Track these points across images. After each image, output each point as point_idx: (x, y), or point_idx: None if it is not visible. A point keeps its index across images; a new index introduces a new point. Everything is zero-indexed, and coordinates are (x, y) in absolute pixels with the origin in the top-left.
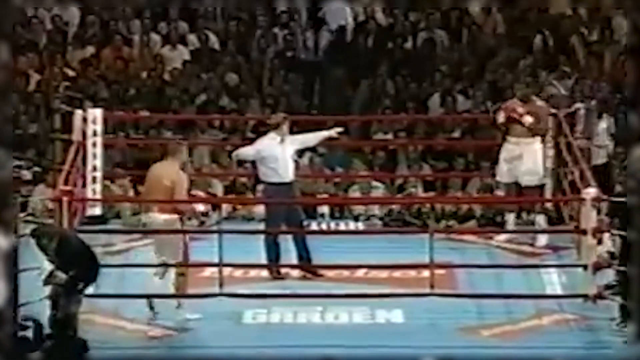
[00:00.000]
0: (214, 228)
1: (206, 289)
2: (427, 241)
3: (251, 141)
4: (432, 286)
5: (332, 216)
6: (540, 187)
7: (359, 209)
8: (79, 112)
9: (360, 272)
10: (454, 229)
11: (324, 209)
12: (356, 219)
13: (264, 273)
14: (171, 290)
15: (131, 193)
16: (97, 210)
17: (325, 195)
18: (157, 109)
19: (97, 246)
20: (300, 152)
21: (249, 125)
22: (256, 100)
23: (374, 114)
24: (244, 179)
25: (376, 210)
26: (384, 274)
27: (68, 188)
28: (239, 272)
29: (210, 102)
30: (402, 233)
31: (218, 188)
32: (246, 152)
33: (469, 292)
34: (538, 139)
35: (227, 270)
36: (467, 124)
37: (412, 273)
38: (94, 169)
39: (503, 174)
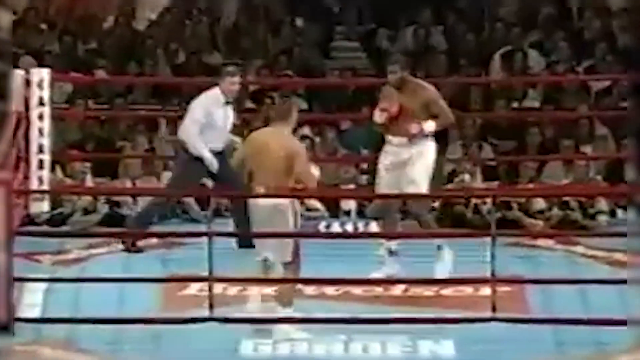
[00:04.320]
0: (203, 229)
1: (192, 312)
2: (487, 247)
3: (250, 111)
4: (494, 308)
5: (361, 214)
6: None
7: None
8: (18, 73)
9: (398, 289)
10: (523, 231)
11: (350, 205)
12: None
13: (268, 290)
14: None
15: (90, 183)
16: (44, 206)
17: (352, 187)
18: (125, 69)
19: (44, 254)
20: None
21: (249, 91)
22: (259, 58)
23: (414, 74)
24: None
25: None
26: (429, 291)
27: (4, 176)
28: (234, 290)
29: (195, 61)
30: (453, 237)
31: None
32: (196, 123)
33: (544, 316)
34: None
35: (219, 287)
36: (544, 89)
37: (468, 290)
38: (40, 149)
39: (383, 185)
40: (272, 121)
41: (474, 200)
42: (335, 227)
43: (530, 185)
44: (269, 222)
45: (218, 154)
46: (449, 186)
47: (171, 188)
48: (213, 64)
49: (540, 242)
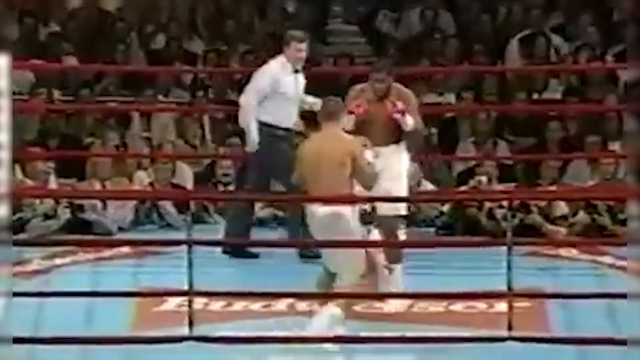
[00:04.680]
0: (182, 237)
1: (169, 330)
2: (503, 257)
3: (236, 104)
4: (510, 326)
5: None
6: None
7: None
8: None
9: (403, 305)
10: (544, 239)
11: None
12: None
13: (256, 306)
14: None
15: (54, 184)
16: (1, 211)
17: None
18: (93, 55)
19: (1, 264)
20: None
21: (234, 80)
22: (243, 42)
23: (420, 63)
24: (227, 162)
25: (426, 211)
26: (437, 307)
27: None
28: (217, 305)
29: (174, 46)
30: (464, 246)
31: (187, 176)
32: (257, 92)
33: (567, 335)
34: (403, 143)
35: (199, 302)
36: (567, 79)
37: (481, 306)
38: None
39: None
40: (320, 124)
41: (488, 204)
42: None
43: (552, 187)
44: (327, 234)
45: (286, 133)
46: (462, 189)
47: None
48: (193, 50)
49: (563, 251)
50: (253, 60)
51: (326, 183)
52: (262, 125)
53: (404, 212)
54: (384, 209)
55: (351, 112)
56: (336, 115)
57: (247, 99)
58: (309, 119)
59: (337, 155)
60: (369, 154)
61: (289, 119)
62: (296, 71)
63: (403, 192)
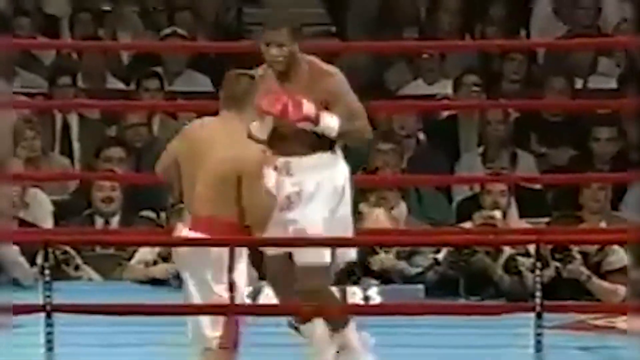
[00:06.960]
0: (37, 301)
1: None
2: (529, 330)
3: (120, 95)
4: None
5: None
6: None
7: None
8: None
9: None
10: (591, 302)
11: None
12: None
13: None
14: None
15: None
16: None
17: None
18: None
19: None
20: None
21: (117, 60)
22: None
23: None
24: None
25: (413, 260)
26: None
27: None
28: None
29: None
30: (471, 313)
31: (44, 208)
32: None
33: None
34: (339, 152)
35: None
36: (628, 58)
37: None
38: None
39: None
40: (221, 107)
41: (506, 250)
42: (266, 295)
43: (602, 224)
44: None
45: None
46: (465, 226)
47: None
48: (52, 12)
49: (620, 321)
50: (146, 29)
51: (203, 194)
52: None
53: (327, 258)
54: (302, 256)
55: (266, 112)
56: (242, 100)
57: None
58: None
59: (227, 159)
60: (270, 175)
61: None
62: None
63: (321, 223)
